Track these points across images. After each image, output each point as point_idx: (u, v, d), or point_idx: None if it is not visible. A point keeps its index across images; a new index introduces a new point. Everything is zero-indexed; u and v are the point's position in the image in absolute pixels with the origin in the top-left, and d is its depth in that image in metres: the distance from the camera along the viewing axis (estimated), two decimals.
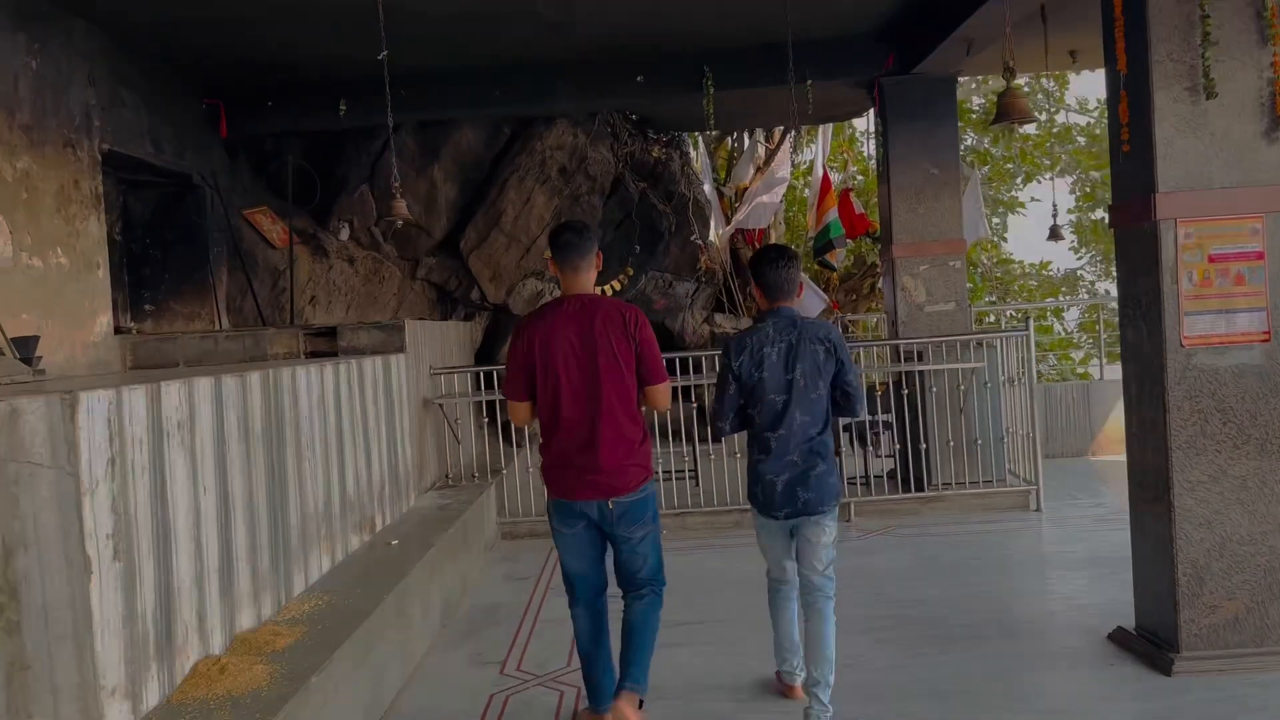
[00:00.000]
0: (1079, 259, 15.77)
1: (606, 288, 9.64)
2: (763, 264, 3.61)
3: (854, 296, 12.24)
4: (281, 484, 4.12)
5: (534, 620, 5.28)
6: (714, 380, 7.39)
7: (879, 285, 11.64)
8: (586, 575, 3.64)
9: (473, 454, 7.84)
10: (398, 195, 6.32)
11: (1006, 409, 7.50)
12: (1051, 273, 15.17)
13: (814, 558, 3.58)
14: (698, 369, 7.59)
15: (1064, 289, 16.05)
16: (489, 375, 7.29)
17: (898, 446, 7.53)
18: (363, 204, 9.40)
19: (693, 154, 11.83)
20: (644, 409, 3.54)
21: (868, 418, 7.62)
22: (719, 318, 10.85)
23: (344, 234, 9.29)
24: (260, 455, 3.92)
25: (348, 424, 5.12)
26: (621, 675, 3.58)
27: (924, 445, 7.35)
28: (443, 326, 8.15)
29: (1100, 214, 14.41)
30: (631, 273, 9.68)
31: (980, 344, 7.48)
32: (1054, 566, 5.97)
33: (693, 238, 10.35)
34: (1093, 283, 16.05)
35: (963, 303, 8.20)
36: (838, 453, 5.86)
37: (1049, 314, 13.09)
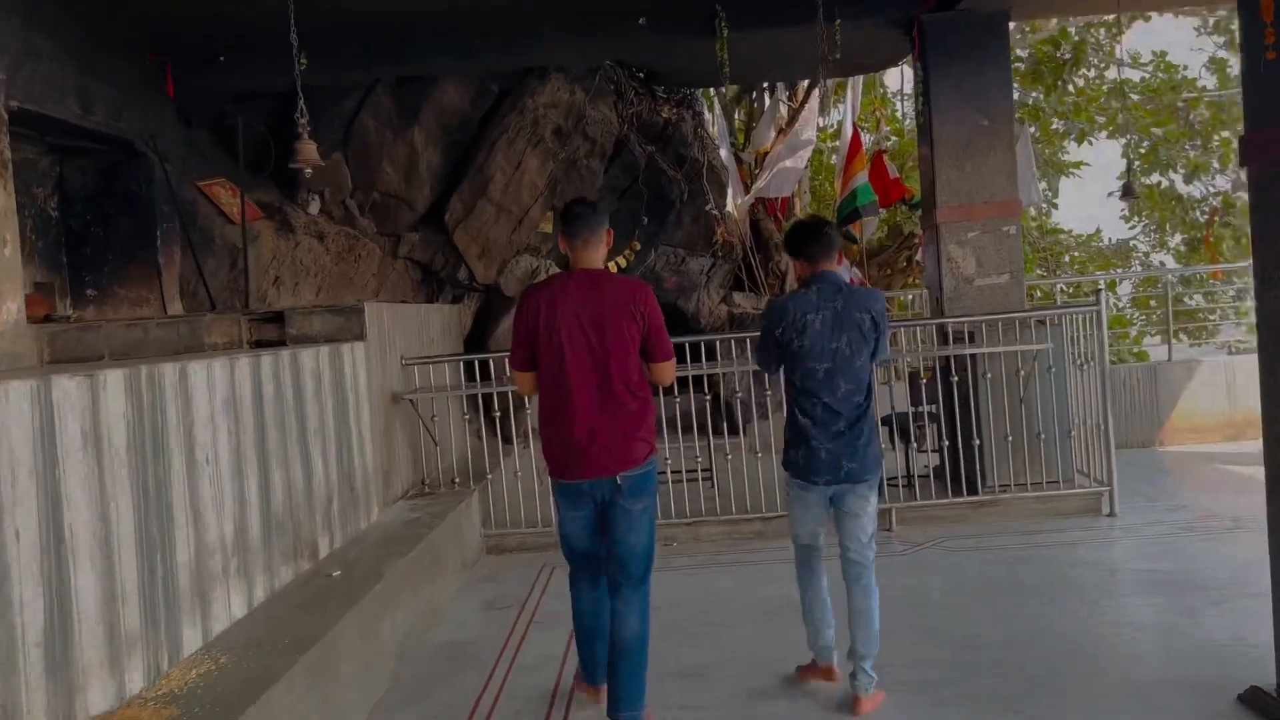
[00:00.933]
0: (1131, 228, 14.61)
1: (611, 264, 8.70)
2: (798, 235, 3.66)
3: (888, 271, 11.23)
4: (162, 510, 3.23)
5: (509, 666, 4.38)
6: (729, 369, 6.31)
7: (917, 258, 10.63)
8: (590, 550, 3.63)
9: (455, 456, 6.94)
10: (305, 135, 5.41)
11: (1075, 397, 6.50)
12: (1103, 243, 14.06)
13: (858, 529, 3.60)
14: (711, 355, 6.64)
15: (1115, 261, 14.92)
16: (480, 365, 6.40)
17: (946, 443, 6.55)
18: (336, 173, 8.50)
19: (707, 116, 10.83)
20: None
21: (910, 409, 6.64)
22: (738, 297, 9.88)
23: (314, 207, 8.40)
24: (125, 475, 3.03)
25: (275, 428, 4.22)
26: (615, 705, 3.44)
27: (977, 441, 6.37)
28: (421, 310, 7.24)
29: (1156, 177, 13.27)
30: (639, 247, 8.74)
31: (1042, 322, 6.48)
32: (1140, 590, 5.00)
33: (707, 208, 9.39)
34: (1146, 254, 14.89)
35: (1018, 274, 7.19)
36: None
37: (1102, 287, 12.00)
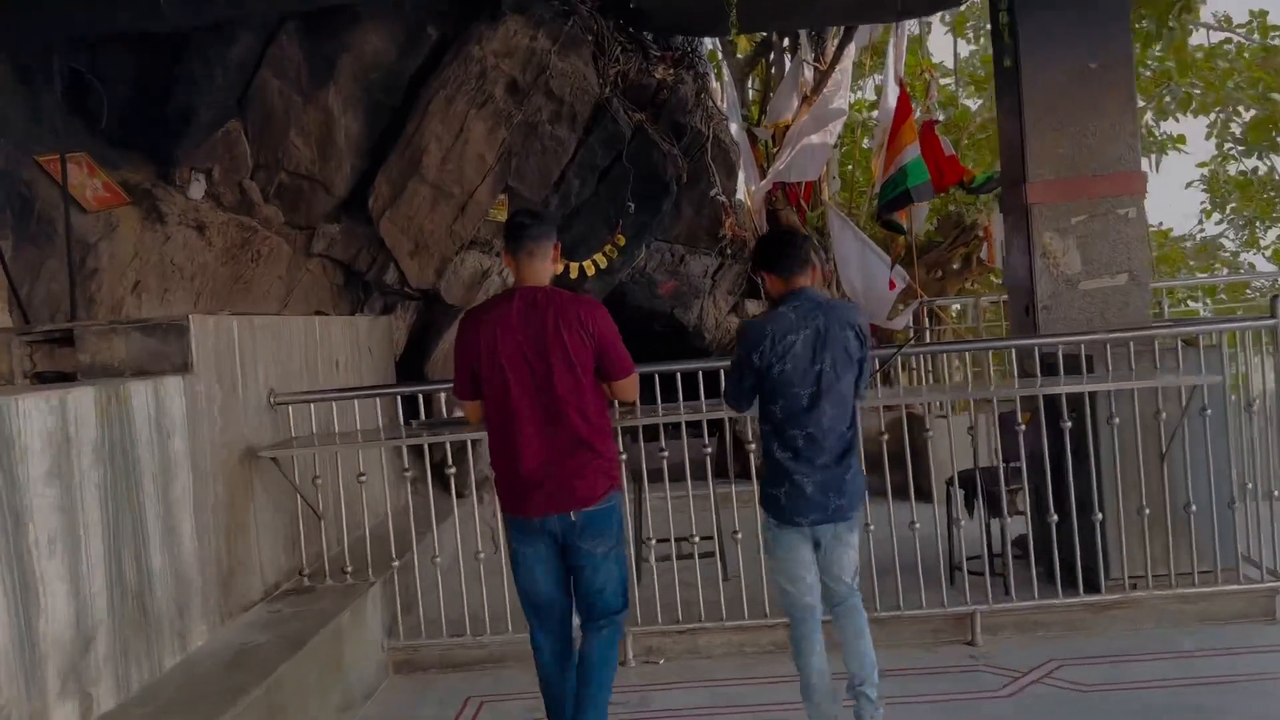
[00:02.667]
0: (1216, 224, 12.73)
1: (588, 263, 6.91)
2: (769, 247, 3.57)
3: (938, 274, 9.39)
4: None
5: None
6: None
7: (980, 255, 8.80)
8: (551, 598, 3.43)
9: (367, 527, 5.08)
10: None
11: (1240, 452, 4.66)
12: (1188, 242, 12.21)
13: (841, 567, 3.49)
14: (716, 387, 4.82)
15: (1193, 262, 13.05)
16: (404, 399, 4.68)
17: (1054, 518, 4.68)
18: (228, 146, 6.72)
19: (714, 86, 9.02)
20: (613, 406, 3.64)
21: (1001, 464, 4.78)
22: (751, 306, 8.09)
23: (196, 189, 6.61)
24: None
25: None
26: None
27: (1098, 516, 4.54)
28: (313, 325, 5.44)
29: (1254, 162, 11.39)
30: (623, 241, 6.95)
31: (1192, 342, 4.67)
32: None
33: (713, 193, 7.61)
34: (1235, 253, 12.97)
35: (1141, 275, 5.36)
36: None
37: (1199, 294, 10.13)
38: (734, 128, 8.60)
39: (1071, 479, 4.55)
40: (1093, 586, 4.66)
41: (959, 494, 4.93)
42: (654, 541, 4.93)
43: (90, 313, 6.01)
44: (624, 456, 4.12)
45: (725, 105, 8.75)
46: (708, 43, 8.85)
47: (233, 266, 6.62)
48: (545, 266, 3.36)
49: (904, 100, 7.75)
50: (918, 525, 4.56)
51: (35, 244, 6.04)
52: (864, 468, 3.59)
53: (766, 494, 3.44)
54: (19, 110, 6.17)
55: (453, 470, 4.55)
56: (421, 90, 6.53)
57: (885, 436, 4.55)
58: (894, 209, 7.70)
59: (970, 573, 4.77)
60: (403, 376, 6.96)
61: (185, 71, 6.36)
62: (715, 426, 5.60)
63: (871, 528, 4.53)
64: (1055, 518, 4.61)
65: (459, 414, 5.35)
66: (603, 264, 6.88)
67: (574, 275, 6.82)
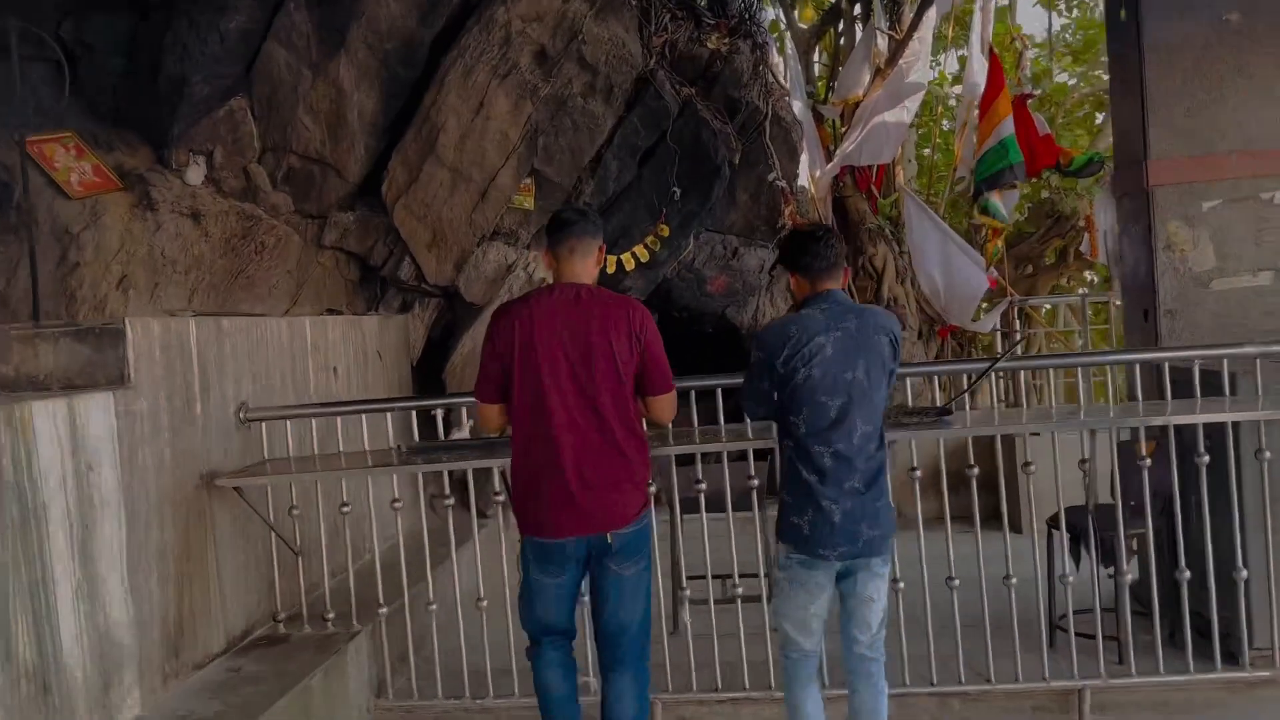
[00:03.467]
0: None
1: (627, 256, 6.20)
2: (795, 242, 3.18)
3: (1028, 269, 8.46)
4: None
5: None
6: None
7: (1081, 248, 7.86)
8: (561, 627, 3.20)
9: (373, 556, 4.45)
10: None
11: None
12: None
13: (869, 616, 3.11)
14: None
15: None
16: (420, 415, 4.08)
17: (1186, 574, 3.83)
18: (232, 126, 6.17)
19: (776, 60, 8.22)
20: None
21: (1118, 503, 3.93)
22: None
23: (194, 174, 6.06)
24: None
25: None
26: None
27: (1242, 573, 3.69)
28: (300, 326, 4.82)
29: None
30: (667, 232, 6.21)
31: None
32: None
33: (771, 178, 6.84)
34: None
35: None
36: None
37: None
38: (797, 106, 7.80)
39: (1208, 525, 3.72)
40: (1232, 659, 3.82)
41: (1064, 537, 4.11)
42: (688, 592, 4.21)
43: (71, 312, 5.50)
44: (652, 488, 3.42)
45: (787, 80, 7.96)
46: (769, 10, 8.06)
47: (233, 259, 6.05)
48: (589, 267, 3.16)
49: (996, 70, 6.87)
50: (1014, 580, 3.76)
51: (15, 235, 5.54)
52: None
53: (786, 523, 3.06)
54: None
55: (451, 502, 3.90)
56: (441, 60, 5.88)
57: (975, 470, 3.76)
58: (995, 185, 6.80)
59: (1077, 634, 3.94)
60: (420, 383, 6.34)
61: (175, 39, 5.80)
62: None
63: (956, 583, 3.76)
64: (1186, 573, 3.77)
65: (457, 434, 4.73)
66: (644, 257, 6.16)
67: (611, 270, 6.12)
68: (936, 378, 3.93)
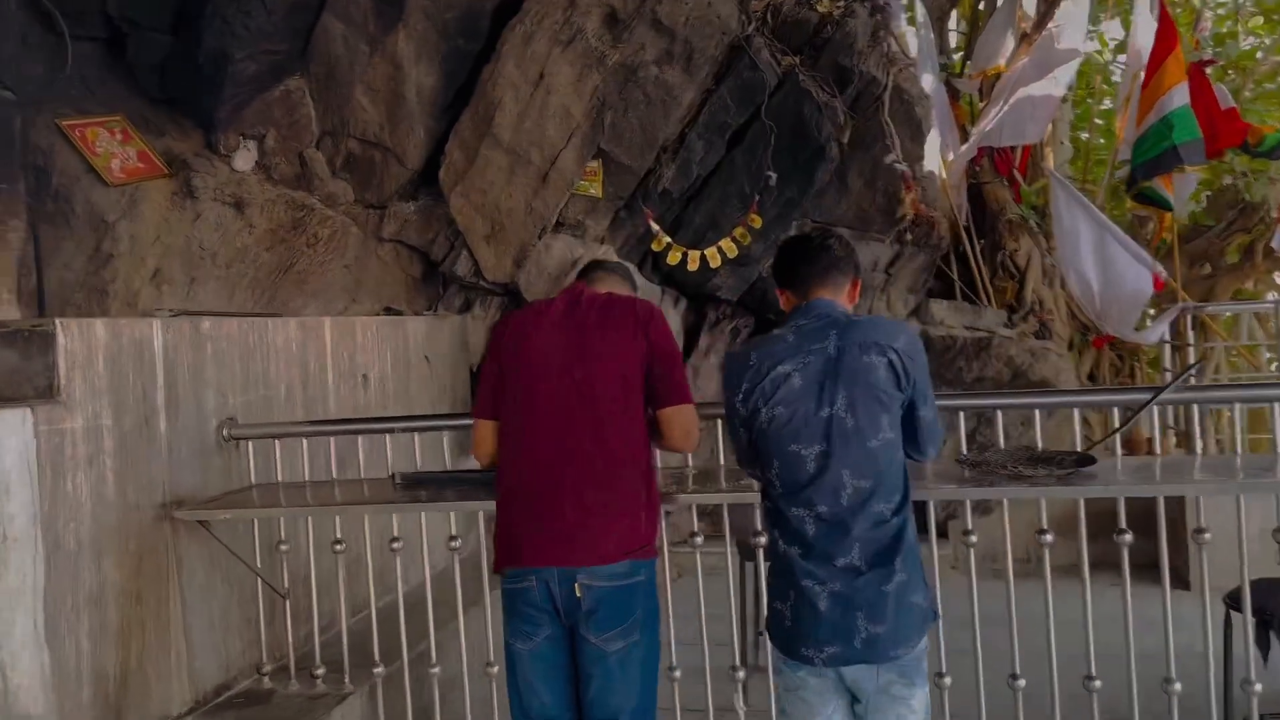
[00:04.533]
0: None
1: (712, 251, 5.46)
2: (785, 249, 2.52)
3: (1206, 270, 7.25)
4: None
5: None
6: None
7: (1272, 243, 6.64)
8: (552, 713, 2.60)
9: (364, 610, 3.87)
10: None
11: None
12: None
13: None
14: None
15: None
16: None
17: None
18: (289, 109, 5.77)
19: (904, 27, 7.30)
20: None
21: None
22: (940, 309, 6.41)
23: (244, 159, 5.68)
24: None
25: None
26: None
27: None
28: (317, 328, 4.30)
29: None
30: (760, 223, 5.42)
31: None
32: None
33: (890, 160, 5.97)
34: None
35: None
36: None
37: None
38: (928, 79, 6.87)
39: None
40: None
41: (1248, 622, 3.16)
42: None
43: (102, 309, 5.19)
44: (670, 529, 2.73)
45: (917, 50, 7.04)
46: None
47: (281, 253, 5.64)
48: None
49: (1166, 27, 5.78)
50: (1178, 687, 2.85)
51: (52, 224, 5.27)
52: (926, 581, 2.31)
53: (770, 609, 2.38)
54: (46, 63, 5.44)
55: (458, 545, 3.27)
56: (502, 29, 5.29)
57: (1129, 537, 2.86)
58: (1155, 172, 5.73)
59: None
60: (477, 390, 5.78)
61: (213, 10, 5.42)
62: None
63: (1097, 684, 2.88)
64: None
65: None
66: (731, 253, 5.41)
67: (693, 266, 5.41)
68: (1078, 412, 3.02)
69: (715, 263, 5.42)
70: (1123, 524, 2.85)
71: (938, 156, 6.96)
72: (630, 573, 2.51)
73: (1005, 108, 6.67)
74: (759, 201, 5.45)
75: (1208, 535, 2.83)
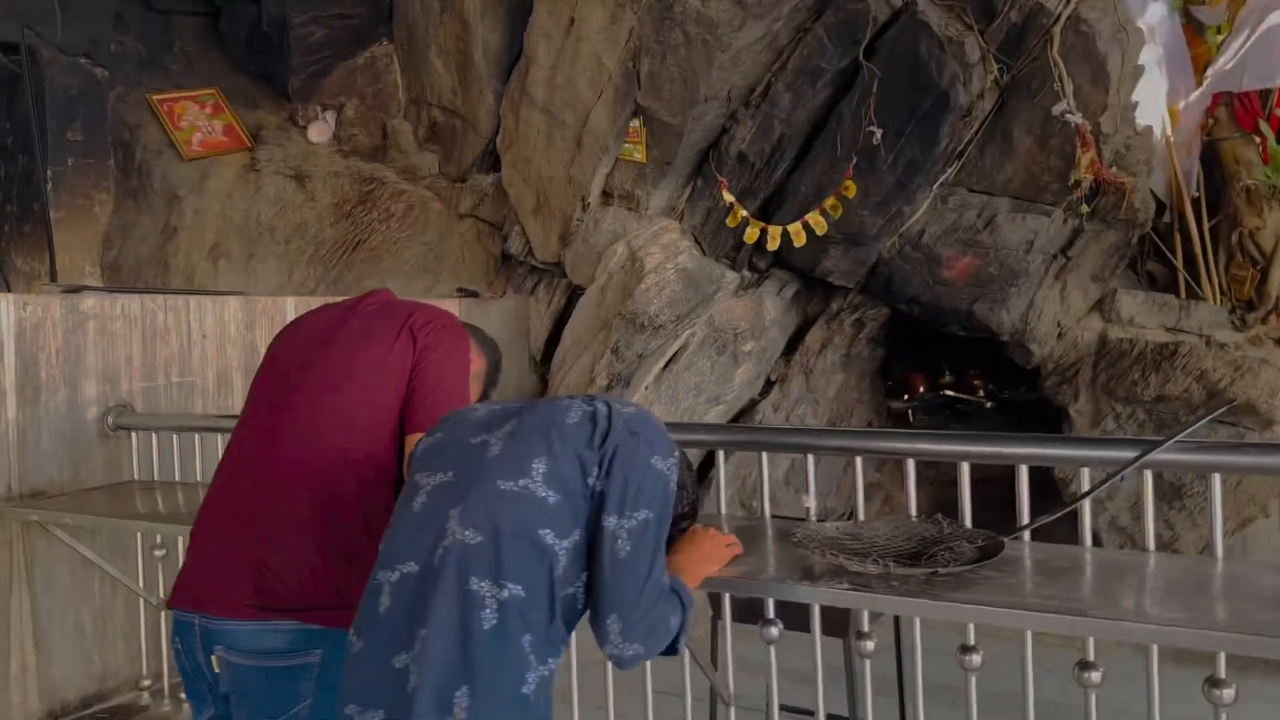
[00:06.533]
0: None
1: (795, 226, 4.57)
2: None
3: None
4: None
5: None
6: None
7: None
8: None
9: None
10: None
11: None
12: None
13: None
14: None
15: None
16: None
17: None
18: (372, 76, 5.59)
19: None
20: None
21: None
22: (1133, 302, 5.09)
23: (318, 131, 5.55)
24: None
25: None
26: None
27: None
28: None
29: None
30: (853, 190, 4.45)
31: None
32: None
33: (1058, 111, 4.77)
34: None
35: None
36: None
37: None
38: (1155, 8, 5.47)
39: None
40: None
41: None
42: None
43: (164, 283, 5.25)
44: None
45: None
46: None
47: (347, 228, 5.46)
48: None
49: None
50: None
51: (134, 198, 5.43)
52: None
53: None
54: (144, 41, 5.61)
55: None
56: None
57: (977, 659, 1.84)
58: None
59: None
60: (546, 383, 5.28)
61: None
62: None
63: None
64: None
65: None
66: (820, 228, 4.49)
67: (773, 245, 4.55)
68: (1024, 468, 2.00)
69: (800, 240, 4.54)
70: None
71: (1162, 106, 5.53)
72: (278, 634, 1.89)
73: (1249, 42, 5.16)
74: (855, 163, 4.50)
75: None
